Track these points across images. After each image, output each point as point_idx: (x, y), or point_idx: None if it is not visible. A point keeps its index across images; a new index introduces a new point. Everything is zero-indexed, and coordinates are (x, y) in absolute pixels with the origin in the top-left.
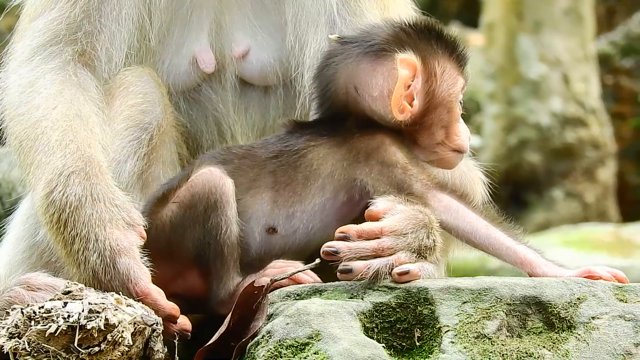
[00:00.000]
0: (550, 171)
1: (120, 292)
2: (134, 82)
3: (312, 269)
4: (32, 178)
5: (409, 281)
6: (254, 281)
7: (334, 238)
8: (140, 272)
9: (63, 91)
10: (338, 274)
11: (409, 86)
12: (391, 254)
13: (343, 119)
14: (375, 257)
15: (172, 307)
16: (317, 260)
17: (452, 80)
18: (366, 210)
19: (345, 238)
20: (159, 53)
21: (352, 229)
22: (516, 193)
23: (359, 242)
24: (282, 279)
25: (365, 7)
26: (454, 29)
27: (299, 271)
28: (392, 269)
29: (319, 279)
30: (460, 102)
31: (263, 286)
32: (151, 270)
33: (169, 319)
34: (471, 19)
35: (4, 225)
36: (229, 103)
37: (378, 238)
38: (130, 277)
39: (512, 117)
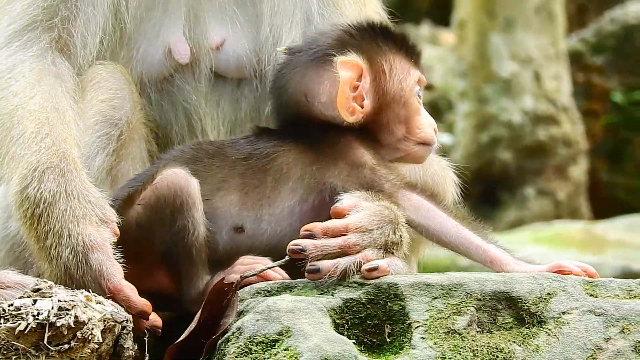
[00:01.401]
0: (522, 169)
1: (92, 288)
2: (105, 77)
3: (282, 267)
4: (7, 170)
5: (378, 277)
6: (223, 278)
7: (300, 236)
8: (113, 269)
9: (41, 80)
10: (306, 274)
11: (356, 87)
12: (358, 251)
13: (307, 125)
14: (342, 254)
15: (144, 303)
16: (286, 257)
17: (403, 75)
18: (331, 207)
19: (310, 236)
20: (134, 40)
21: (317, 226)
22: (488, 191)
23: (324, 240)
24: (252, 275)
25: (343, 3)
26: (425, 28)
27: (267, 268)
28: (360, 267)
29: (287, 276)
30: (418, 95)
31: (232, 283)
32: (123, 267)
33: (141, 315)
34: (442, 17)
35: None
36: (201, 95)
37: (344, 235)
38: (102, 273)
39: (483, 115)
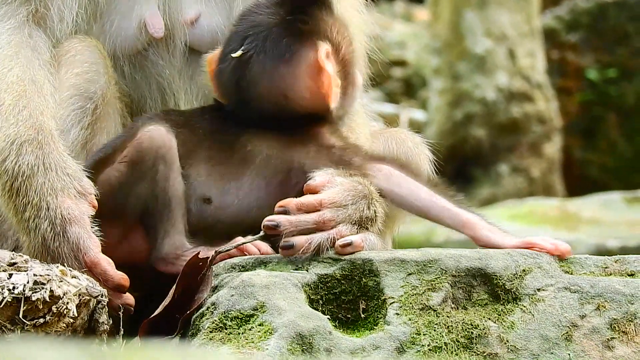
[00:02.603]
0: (496, 146)
1: (68, 261)
2: (80, 51)
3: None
4: None
5: (352, 253)
6: (198, 253)
7: (274, 212)
8: (90, 242)
9: (19, 53)
10: (280, 250)
11: (330, 76)
12: (333, 227)
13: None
14: (316, 230)
15: (121, 276)
16: (261, 232)
17: (347, 36)
18: (305, 184)
19: (285, 212)
20: (107, 14)
21: (291, 202)
22: (462, 168)
23: (299, 216)
24: (227, 250)
25: None
26: (400, 5)
27: (243, 243)
28: (334, 242)
29: (268, 250)
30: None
31: (207, 258)
32: (100, 237)
33: (118, 289)
34: None
35: None
36: (175, 69)
37: (318, 211)
38: (80, 246)
39: (457, 92)
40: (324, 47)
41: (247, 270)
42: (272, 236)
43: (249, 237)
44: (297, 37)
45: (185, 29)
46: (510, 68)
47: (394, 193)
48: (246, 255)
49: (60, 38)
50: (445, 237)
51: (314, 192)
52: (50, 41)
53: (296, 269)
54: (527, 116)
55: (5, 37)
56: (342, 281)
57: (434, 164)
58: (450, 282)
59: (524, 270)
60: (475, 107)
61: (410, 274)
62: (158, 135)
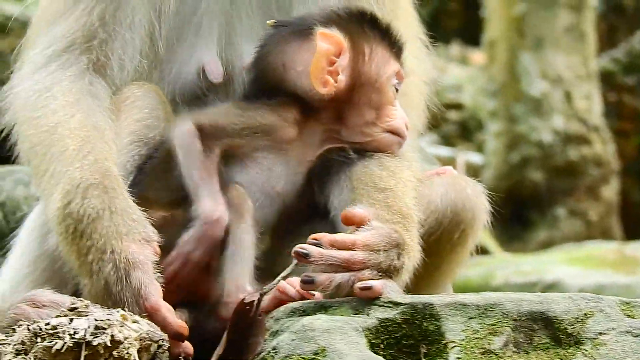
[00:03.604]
0: (553, 189)
1: (129, 305)
2: (140, 97)
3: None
4: (46, 186)
5: (370, 297)
6: (244, 298)
7: (307, 242)
8: (152, 288)
9: (80, 100)
10: (300, 283)
11: (333, 62)
12: (360, 269)
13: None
14: (344, 268)
15: (180, 325)
16: (294, 262)
17: (383, 62)
18: (344, 211)
19: (317, 244)
20: (167, 61)
21: (325, 237)
22: (519, 211)
23: (331, 251)
24: (270, 290)
25: None
26: (455, 48)
27: (283, 277)
28: (354, 284)
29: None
30: (395, 87)
31: (253, 301)
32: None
33: (177, 337)
34: (472, 36)
35: (8, 243)
36: None
37: (350, 250)
38: (141, 292)
39: (514, 134)
40: (336, 36)
41: (307, 315)
42: (301, 264)
43: (286, 270)
44: (324, 22)
45: (244, 74)
46: (567, 110)
47: None
48: (288, 294)
49: (120, 86)
50: (504, 280)
51: (350, 221)
52: (110, 89)
53: (357, 313)
54: (584, 159)
55: (66, 84)
56: (403, 325)
57: (491, 207)
58: (511, 326)
59: (585, 314)
60: (532, 150)
61: (471, 318)
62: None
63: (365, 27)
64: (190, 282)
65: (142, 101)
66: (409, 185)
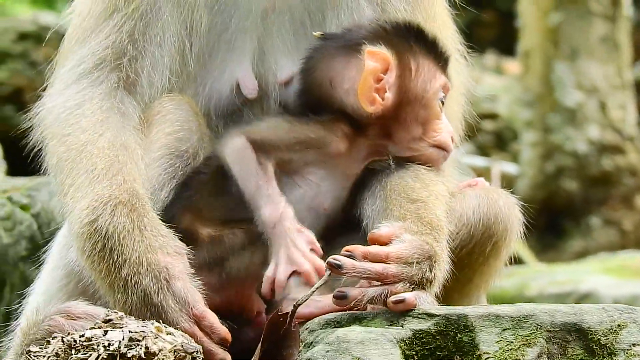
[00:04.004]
0: (588, 199)
1: (173, 314)
2: (171, 110)
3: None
4: (70, 200)
5: (403, 310)
6: (278, 309)
7: (340, 254)
8: (197, 296)
9: (110, 118)
10: (333, 298)
11: (380, 79)
12: (392, 282)
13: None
14: (377, 280)
15: (226, 331)
16: (327, 273)
17: (429, 77)
18: (370, 232)
19: (350, 256)
20: (200, 77)
21: (358, 249)
22: (553, 221)
23: (364, 263)
24: (304, 300)
25: None
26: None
27: (315, 289)
28: (386, 297)
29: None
30: (441, 101)
31: (287, 313)
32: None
33: (222, 343)
34: (507, 46)
35: (43, 255)
36: None
37: (383, 262)
38: (187, 300)
39: (549, 144)
40: (384, 54)
41: (342, 326)
42: (335, 275)
43: (319, 282)
44: (370, 38)
45: (279, 89)
46: (602, 120)
47: None
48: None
49: (150, 103)
50: (538, 291)
51: (378, 242)
52: (139, 106)
53: (391, 325)
54: (618, 169)
55: (97, 102)
56: (437, 337)
57: (526, 217)
58: (545, 337)
59: (619, 325)
60: (567, 160)
61: (505, 329)
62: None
63: (412, 41)
64: (241, 296)
65: (173, 114)
66: (441, 198)
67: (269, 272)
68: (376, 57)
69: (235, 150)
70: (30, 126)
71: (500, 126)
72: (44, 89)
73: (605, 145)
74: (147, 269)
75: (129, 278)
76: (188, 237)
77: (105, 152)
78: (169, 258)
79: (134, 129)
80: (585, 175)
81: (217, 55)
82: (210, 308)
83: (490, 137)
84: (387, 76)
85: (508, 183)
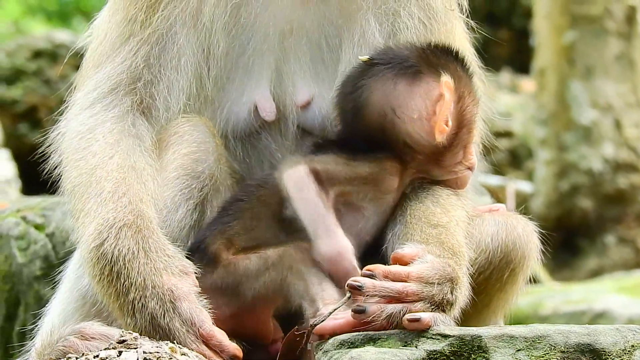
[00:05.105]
0: (603, 217)
1: (180, 335)
2: (188, 131)
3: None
4: (80, 225)
5: (418, 329)
6: (295, 328)
7: (361, 274)
8: (203, 315)
9: (120, 141)
10: (352, 312)
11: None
12: (413, 301)
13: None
14: (397, 300)
15: (235, 347)
16: (348, 294)
17: (474, 101)
18: (394, 252)
19: (371, 276)
20: (218, 100)
21: (379, 268)
22: (568, 239)
23: (385, 282)
24: (321, 321)
25: None
26: (505, 76)
27: (334, 310)
28: (405, 315)
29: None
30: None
31: (304, 332)
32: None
33: (233, 359)
34: (522, 65)
35: (58, 274)
36: (287, 151)
37: (404, 282)
38: (193, 320)
39: (564, 162)
40: (448, 78)
41: (356, 347)
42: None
43: (338, 303)
44: (425, 63)
45: (297, 112)
46: (617, 138)
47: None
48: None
49: (165, 125)
50: (553, 309)
51: (401, 262)
52: (153, 129)
53: (405, 345)
54: (633, 187)
55: (108, 125)
56: (451, 357)
57: (541, 235)
58: (559, 357)
59: (632, 346)
60: (582, 178)
61: (519, 350)
62: None
63: (459, 67)
64: (256, 322)
65: (190, 135)
66: (461, 224)
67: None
68: (449, 87)
69: (297, 177)
70: (46, 146)
71: (515, 144)
72: (59, 109)
73: (620, 164)
74: (152, 292)
75: (136, 302)
76: (212, 261)
77: (113, 175)
78: (175, 279)
79: (145, 150)
80: (600, 193)
81: (235, 79)
82: (226, 332)
83: (505, 155)
84: (448, 95)
85: (523, 201)
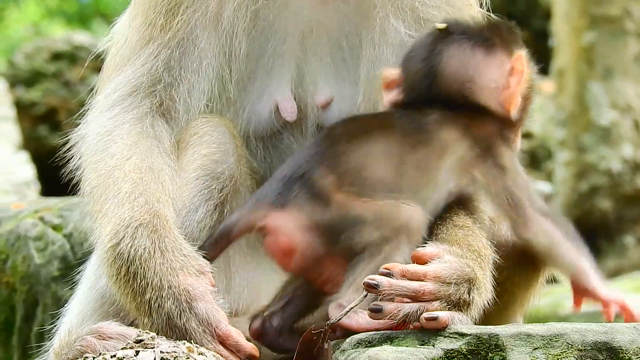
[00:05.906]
0: (622, 217)
1: (196, 335)
2: (208, 132)
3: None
4: (98, 226)
5: (435, 328)
6: (312, 327)
7: (378, 273)
8: (219, 315)
9: (138, 142)
10: (368, 311)
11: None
12: (430, 300)
13: (455, 105)
14: (414, 298)
15: (252, 347)
16: (364, 293)
17: (531, 77)
18: (414, 250)
19: (388, 275)
20: (239, 101)
21: (397, 267)
22: (587, 240)
23: (401, 281)
24: (338, 320)
25: None
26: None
27: (351, 308)
28: (422, 314)
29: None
30: None
31: (321, 331)
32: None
33: (250, 359)
34: (542, 66)
35: (77, 275)
36: None
37: (421, 281)
38: (210, 320)
39: (583, 163)
40: (523, 53)
41: (373, 346)
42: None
43: (355, 301)
44: (498, 37)
45: (318, 112)
46: (636, 139)
47: (545, 247)
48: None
49: (185, 126)
50: (571, 310)
51: (420, 261)
52: (173, 130)
53: (422, 344)
54: None
55: (127, 127)
56: (469, 356)
57: None
58: (576, 356)
59: None
60: (601, 179)
61: (536, 349)
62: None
63: (520, 41)
64: None
65: (210, 136)
66: (485, 225)
67: None
68: (523, 61)
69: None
70: (66, 149)
71: (534, 145)
72: (79, 112)
73: None
74: (169, 292)
75: (152, 302)
76: (319, 197)
77: (130, 176)
78: (191, 279)
79: (164, 151)
80: (619, 194)
81: (256, 79)
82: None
83: (524, 156)
84: (524, 68)
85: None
